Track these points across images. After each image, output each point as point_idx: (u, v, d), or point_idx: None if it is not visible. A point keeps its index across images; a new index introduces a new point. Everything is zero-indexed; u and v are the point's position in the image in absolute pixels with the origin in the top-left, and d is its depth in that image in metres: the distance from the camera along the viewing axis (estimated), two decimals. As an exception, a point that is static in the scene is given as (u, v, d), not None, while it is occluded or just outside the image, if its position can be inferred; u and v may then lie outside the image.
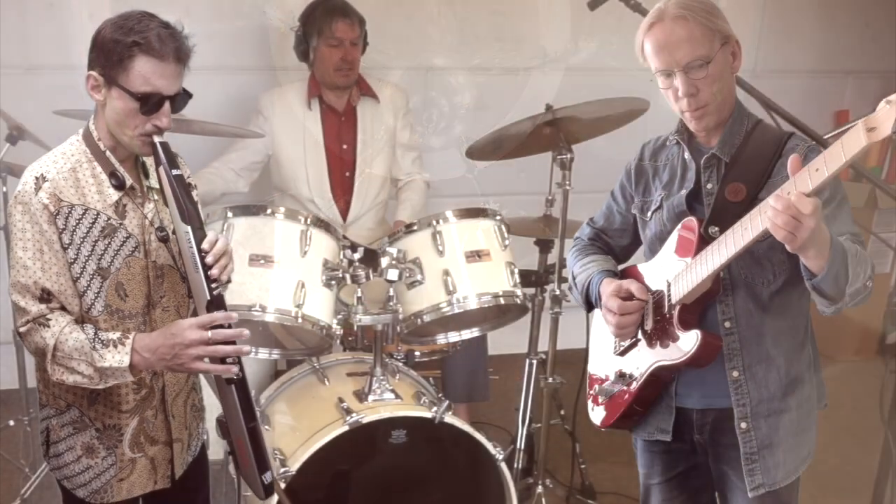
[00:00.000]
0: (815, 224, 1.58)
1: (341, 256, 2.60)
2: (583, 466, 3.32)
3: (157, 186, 1.94)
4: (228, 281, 1.95)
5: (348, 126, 3.48)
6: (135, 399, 1.97)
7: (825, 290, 1.70)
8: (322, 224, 2.59)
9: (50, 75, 3.44)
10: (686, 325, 1.90)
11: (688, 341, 1.89)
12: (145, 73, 1.79)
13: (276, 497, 2.29)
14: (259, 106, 3.45)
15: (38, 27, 3.56)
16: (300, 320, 2.48)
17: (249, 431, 1.84)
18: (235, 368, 1.80)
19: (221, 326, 1.80)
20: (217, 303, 1.82)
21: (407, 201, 3.56)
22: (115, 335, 1.82)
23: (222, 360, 1.81)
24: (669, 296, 1.93)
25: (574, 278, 2.21)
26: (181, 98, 1.87)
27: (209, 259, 1.82)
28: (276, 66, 3.80)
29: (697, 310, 1.91)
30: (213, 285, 1.82)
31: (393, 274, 2.55)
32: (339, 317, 2.62)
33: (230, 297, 2.44)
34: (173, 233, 1.89)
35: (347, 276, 2.57)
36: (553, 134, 2.93)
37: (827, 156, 1.55)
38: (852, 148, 1.50)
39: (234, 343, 1.80)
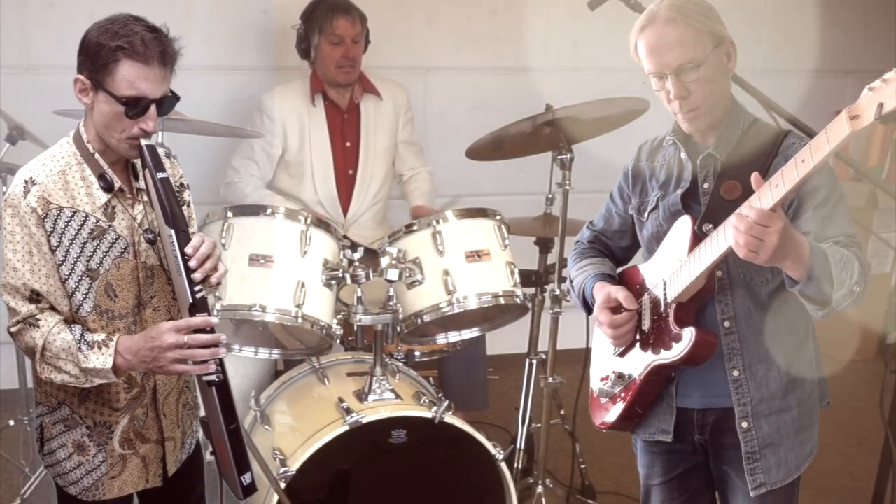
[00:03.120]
0: (778, 240, 1.59)
1: (341, 256, 2.60)
2: (583, 466, 3.32)
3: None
4: (218, 283, 1.95)
5: (351, 123, 3.48)
6: (126, 398, 1.97)
7: (809, 296, 1.71)
8: (322, 224, 2.59)
9: (50, 75, 3.44)
10: (682, 323, 1.90)
11: (683, 339, 1.89)
12: (130, 77, 1.78)
13: (275, 497, 2.31)
14: (262, 106, 3.43)
15: (38, 27, 3.56)
16: (300, 320, 2.48)
17: (229, 433, 1.85)
18: (213, 368, 1.82)
19: (203, 331, 1.80)
20: (199, 306, 1.82)
21: (417, 189, 3.58)
22: (100, 337, 1.83)
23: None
24: (665, 294, 1.93)
25: (572, 282, 2.22)
26: (168, 101, 1.86)
27: (192, 263, 1.82)
28: (276, 65, 3.80)
29: (693, 308, 1.91)
30: (196, 288, 1.82)
31: (393, 274, 2.55)
32: (339, 317, 2.62)
33: (230, 297, 2.46)
34: (160, 234, 1.89)
35: (347, 276, 2.57)
36: (553, 134, 2.93)
37: (812, 146, 1.55)
38: (836, 136, 1.50)
39: (211, 347, 1.81)
